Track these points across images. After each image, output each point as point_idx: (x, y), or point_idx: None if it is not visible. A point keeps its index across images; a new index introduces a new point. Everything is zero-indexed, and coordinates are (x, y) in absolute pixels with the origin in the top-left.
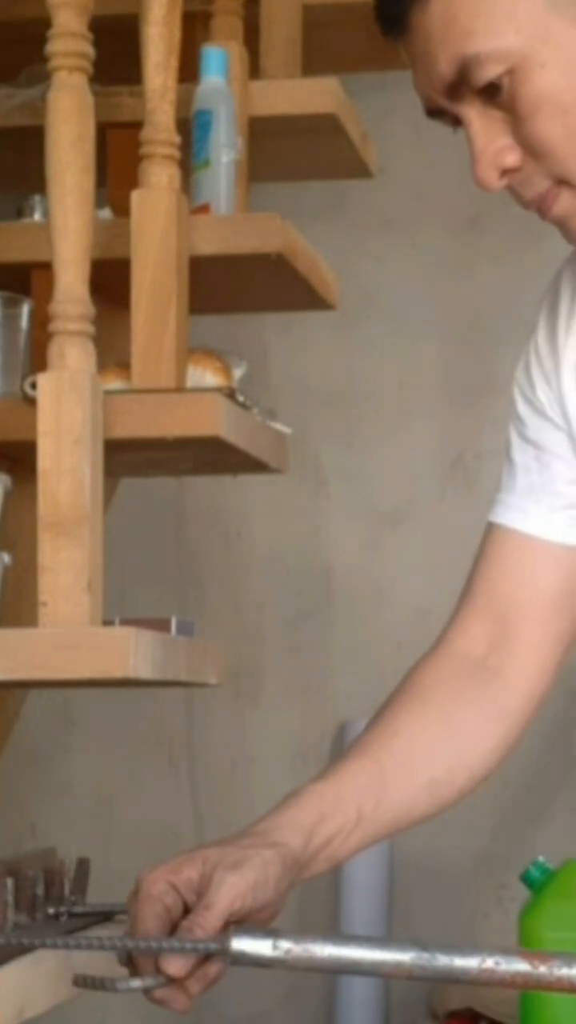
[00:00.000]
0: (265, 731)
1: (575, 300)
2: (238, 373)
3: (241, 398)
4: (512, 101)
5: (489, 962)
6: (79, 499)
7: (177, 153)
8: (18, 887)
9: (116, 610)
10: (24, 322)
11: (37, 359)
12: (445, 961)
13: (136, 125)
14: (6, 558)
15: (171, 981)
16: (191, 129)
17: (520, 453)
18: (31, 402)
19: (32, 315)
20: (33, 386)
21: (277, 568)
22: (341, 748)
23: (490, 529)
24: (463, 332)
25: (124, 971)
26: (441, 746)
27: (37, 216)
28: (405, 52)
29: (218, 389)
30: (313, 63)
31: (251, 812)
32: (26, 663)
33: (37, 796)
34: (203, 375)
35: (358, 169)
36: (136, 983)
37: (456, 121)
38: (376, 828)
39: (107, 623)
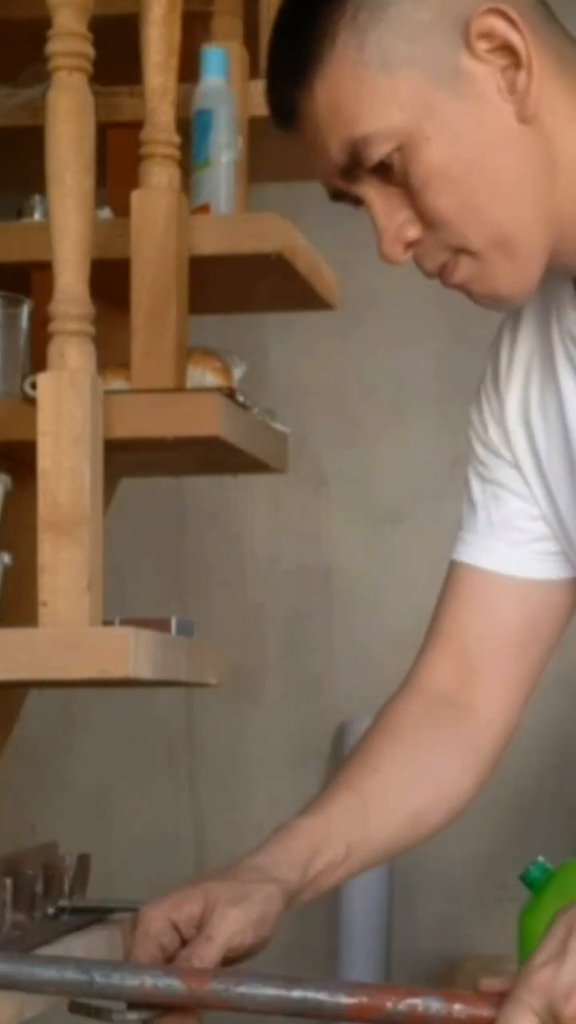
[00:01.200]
0: (265, 731)
1: (514, 344)
2: (238, 373)
3: (241, 398)
4: (405, 176)
5: (149, 982)
6: (79, 499)
7: (177, 153)
8: (17, 886)
9: (116, 610)
10: (24, 322)
11: (37, 359)
12: (105, 980)
13: (136, 125)
14: (6, 558)
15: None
16: (191, 129)
17: (479, 492)
18: (31, 402)
19: (32, 315)
20: (33, 386)
21: (277, 568)
22: (341, 748)
23: (453, 567)
24: (463, 332)
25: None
26: (418, 783)
27: (37, 216)
28: (302, 142)
29: (218, 389)
30: None
31: (251, 812)
32: (26, 663)
33: (37, 796)
34: (203, 375)
35: None
36: (132, 1016)
37: (359, 201)
38: (360, 860)
39: (107, 623)
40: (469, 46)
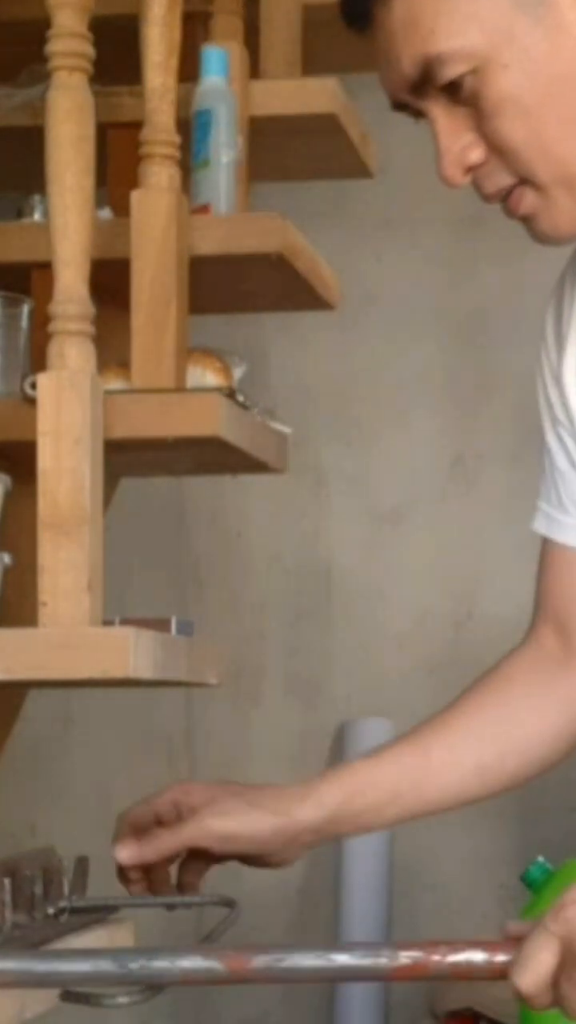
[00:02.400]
0: (265, 731)
1: (574, 300)
2: (238, 373)
3: (241, 398)
4: (476, 99)
5: (188, 965)
6: (79, 499)
7: (177, 153)
8: (16, 887)
9: (116, 610)
10: (24, 322)
11: (37, 359)
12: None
13: (136, 125)
14: (6, 558)
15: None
16: (191, 129)
17: (548, 463)
18: (31, 402)
19: (32, 315)
20: (33, 386)
21: (277, 568)
22: (341, 748)
23: (543, 540)
24: (463, 332)
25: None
26: (494, 730)
27: (37, 216)
28: (371, 46)
29: (218, 389)
30: (313, 63)
31: None
32: (26, 663)
33: (37, 796)
34: (203, 375)
35: (358, 169)
36: (123, 999)
37: (420, 114)
38: (420, 804)
39: (107, 623)
40: None
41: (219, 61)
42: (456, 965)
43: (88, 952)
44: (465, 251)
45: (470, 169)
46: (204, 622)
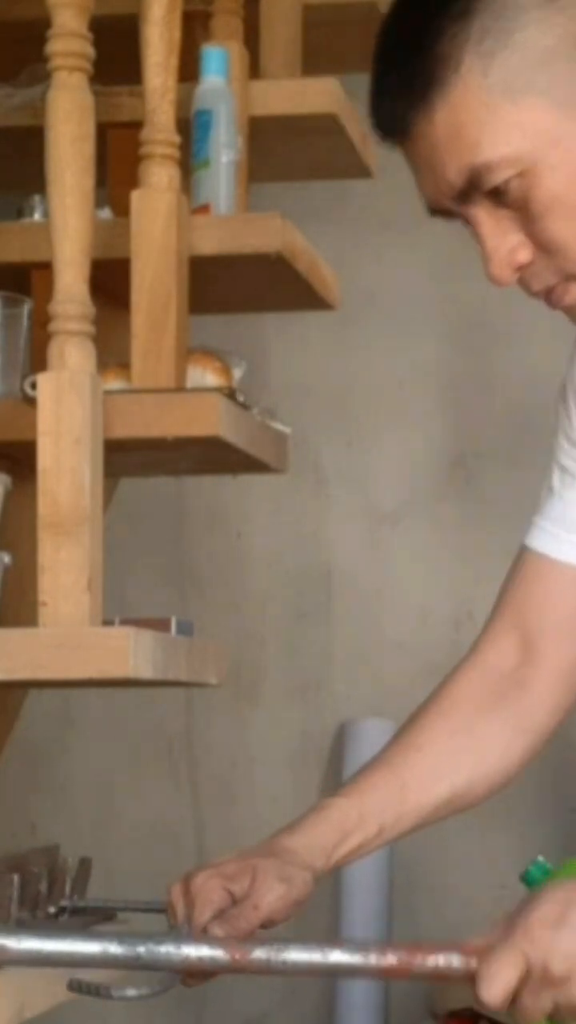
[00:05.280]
0: (265, 731)
1: None
2: (238, 373)
3: (241, 398)
4: (524, 202)
5: (193, 954)
6: (79, 499)
7: (177, 153)
8: (23, 883)
9: (116, 610)
10: (24, 322)
11: (37, 359)
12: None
13: (136, 125)
14: (6, 558)
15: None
16: (191, 129)
17: (558, 481)
18: (31, 402)
19: (32, 315)
20: (33, 386)
21: (277, 568)
22: (341, 748)
23: (522, 550)
24: (463, 332)
25: (119, 975)
26: (464, 760)
27: (37, 216)
28: (405, 156)
29: (218, 389)
30: (313, 63)
31: (251, 812)
32: (26, 663)
33: (37, 796)
34: (203, 375)
35: (358, 169)
36: (131, 992)
37: (457, 217)
38: (391, 838)
39: (107, 623)
40: None
41: (219, 61)
42: (436, 968)
43: (97, 934)
44: (465, 251)
45: (518, 269)
46: (204, 622)
